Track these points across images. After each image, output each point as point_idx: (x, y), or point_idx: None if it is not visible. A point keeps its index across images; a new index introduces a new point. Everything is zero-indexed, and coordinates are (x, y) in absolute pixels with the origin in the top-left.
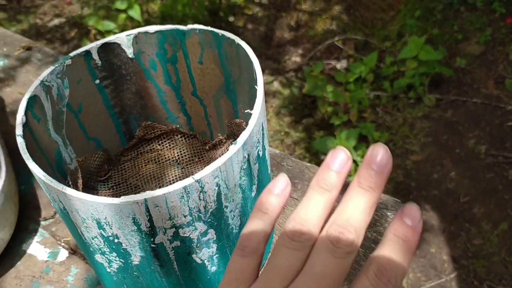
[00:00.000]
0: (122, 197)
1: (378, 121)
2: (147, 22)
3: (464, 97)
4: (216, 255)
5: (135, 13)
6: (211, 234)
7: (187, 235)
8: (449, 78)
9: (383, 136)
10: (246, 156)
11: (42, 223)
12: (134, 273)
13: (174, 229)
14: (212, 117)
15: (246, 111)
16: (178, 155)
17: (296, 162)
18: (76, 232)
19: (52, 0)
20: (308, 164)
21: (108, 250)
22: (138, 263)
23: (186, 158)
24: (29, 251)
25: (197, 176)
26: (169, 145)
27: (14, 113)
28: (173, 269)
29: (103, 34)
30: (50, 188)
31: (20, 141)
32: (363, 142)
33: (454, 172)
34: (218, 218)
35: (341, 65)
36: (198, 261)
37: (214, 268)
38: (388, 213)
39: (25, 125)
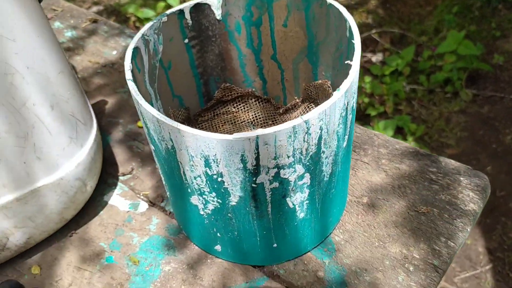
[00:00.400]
0: (235, 134)
1: (413, 114)
2: None
3: (502, 93)
4: (307, 201)
5: (174, 1)
6: (307, 178)
7: (286, 177)
8: (486, 74)
9: (419, 129)
10: (346, 104)
11: (121, 178)
12: (228, 214)
13: (276, 169)
14: (288, 81)
15: (346, 62)
16: (253, 118)
17: (364, 129)
18: (177, 173)
19: None
20: (375, 132)
21: (208, 190)
22: (235, 204)
23: (260, 121)
24: (110, 202)
25: (305, 117)
26: (244, 108)
27: (85, 79)
28: (267, 212)
29: (142, 21)
30: (163, 125)
31: (131, 85)
32: (398, 134)
33: (490, 167)
34: (315, 163)
35: (376, 58)
36: (290, 205)
37: (302, 215)
38: (461, 178)
39: (131, 72)
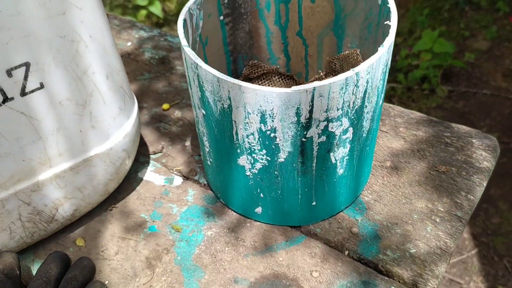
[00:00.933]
0: (293, 87)
1: None
2: (165, 20)
3: (474, 89)
4: (347, 157)
5: (156, 9)
6: (350, 133)
7: (333, 131)
8: (459, 71)
9: None
10: (386, 60)
11: (152, 156)
12: (275, 172)
13: (325, 122)
14: (311, 56)
15: (385, 22)
16: None
17: None
18: (228, 134)
19: None
20: (390, 104)
21: (258, 148)
22: (283, 160)
23: None
24: (145, 178)
25: (357, 69)
26: (268, 85)
27: None
28: (311, 167)
29: None
30: (223, 84)
31: (188, 50)
32: None
33: None
34: (358, 117)
35: None
36: (333, 160)
37: (341, 171)
38: (473, 140)
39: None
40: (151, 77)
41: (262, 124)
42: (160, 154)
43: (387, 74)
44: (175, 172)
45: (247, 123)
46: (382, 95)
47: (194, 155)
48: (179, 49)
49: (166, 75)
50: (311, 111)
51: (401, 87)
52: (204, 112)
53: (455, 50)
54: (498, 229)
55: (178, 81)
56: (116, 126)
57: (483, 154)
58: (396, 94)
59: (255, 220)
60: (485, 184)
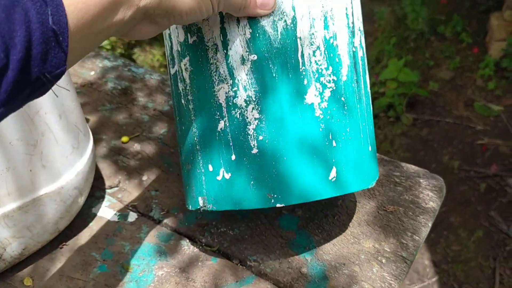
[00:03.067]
0: None
1: None
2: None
3: (438, 117)
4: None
5: None
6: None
7: (362, 47)
8: (423, 100)
9: None
10: None
11: (108, 191)
12: (341, 99)
13: (359, 33)
14: None
15: None
16: None
17: None
18: (293, 60)
19: None
20: None
21: (325, 65)
22: (345, 78)
23: None
24: (99, 214)
25: None
26: None
27: None
28: (361, 90)
29: None
30: None
31: None
32: None
33: None
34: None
35: None
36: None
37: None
38: (421, 180)
39: None
40: (112, 108)
41: (326, 31)
42: (116, 188)
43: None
44: (130, 208)
45: (313, 34)
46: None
47: (151, 190)
48: (142, 80)
49: (128, 106)
50: (353, 15)
51: None
52: (255, 56)
53: (420, 79)
54: (458, 256)
55: (139, 113)
56: (69, 164)
57: (430, 195)
58: None
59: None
60: (430, 225)
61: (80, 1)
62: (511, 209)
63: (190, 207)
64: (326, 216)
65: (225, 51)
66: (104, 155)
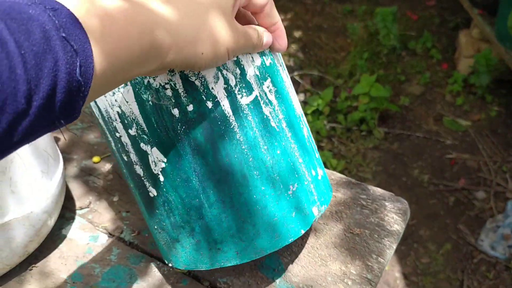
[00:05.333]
0: None
1: (334, 150)
2: None
3: (408, 131)
4: None
5: None
6: None
7: None
8: (394, 114)
9: (340, 164)
10: None
11: (78, 212)
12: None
13: None
14: None
15: None
16: None
17: None
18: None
19: None
20: None
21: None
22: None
23: None
24: (69, 235)
25: None
26: None
27: None
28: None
29: None
30: None
31: None
32: None
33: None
34: None
35: (299, 98)
36: None
37: None
38: (386, 203)
39: None
40: (84, 127)
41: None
42: (87, 209)
43: None
44: (101, 229)
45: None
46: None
47: (122, 211)
48: None
49: None
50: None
51: (341, 127)
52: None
53: (391, 94)
54: (427, 269)
55: None
56: (38, 189)
57: (394, 217)
58: (336, 134)
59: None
60: (394, 247)
61: (110, 54)
62: (478, 222)
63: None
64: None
65: None
66: (75, 175)
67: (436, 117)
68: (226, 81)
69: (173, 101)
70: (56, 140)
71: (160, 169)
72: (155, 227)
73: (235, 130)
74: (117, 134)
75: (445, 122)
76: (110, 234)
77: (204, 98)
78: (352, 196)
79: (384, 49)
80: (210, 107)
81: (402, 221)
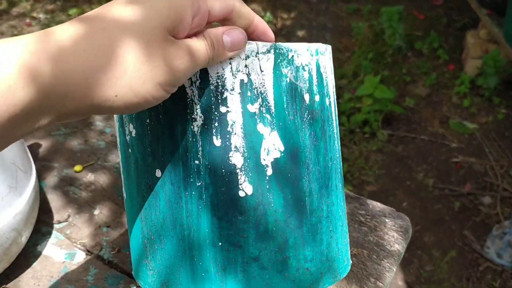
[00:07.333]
0: None
1: None
2: None
3: (413, 133)
4: None
5: None
6: None
7: None
8: (399, 116)
9: (342, 167)
10: None
11: (56, 226)
12: None
13: None
14: None
15: None
16: None
17: None
18: None
19: (10, 20)
20: None
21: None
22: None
23: None
24: (44, 252)
25: None
26: None
27: None
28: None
29: None
30: None
31: None
32: None
33: (405, 203)
34: None
35: None
36: None
37: None
38: (387, 220)
39: None
40: (67, 132)
41: None
42: (65, 223)
43: None
44: (79, 246)
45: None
46: None
47: (102, 225)
48: None
49: (84, 131)
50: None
51: (344, 129)
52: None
53: (396, 95)
54: (431, 277)
55: (95, 139)
56: (5, 206)
57: (395, 236)
58: (339, 136)
59: None
60: (394, 269)
61: None
62: (484, 228)
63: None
64: None
65: None
66: (54, 185)
67: (442, 119)
68: (333, 86)
69: (307, 85)
70: (37, 146)
71: (272, 160)
72: (229, 241)
73: (335, 136)
74: (223, 109)
75: (451, 124)
76: (88, 251)
77: (325, 94)
78: (350, 211)
79: (389, 49)
80: (327, 104)
81: (403, 240)
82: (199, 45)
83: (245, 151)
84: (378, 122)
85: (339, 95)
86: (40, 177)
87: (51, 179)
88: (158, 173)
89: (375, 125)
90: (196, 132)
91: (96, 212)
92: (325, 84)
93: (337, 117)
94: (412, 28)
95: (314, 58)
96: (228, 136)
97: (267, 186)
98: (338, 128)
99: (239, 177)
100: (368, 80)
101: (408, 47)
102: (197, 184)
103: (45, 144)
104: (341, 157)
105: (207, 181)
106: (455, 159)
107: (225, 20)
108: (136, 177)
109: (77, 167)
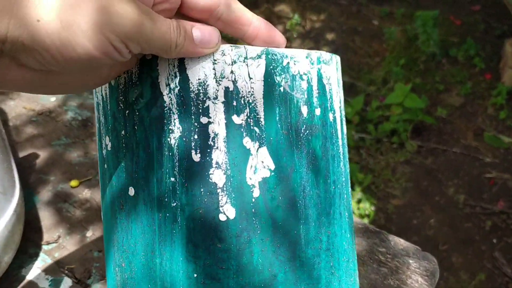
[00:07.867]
0: None
1: (361, 162)
2: None
3: (444, 146)
4: None
5: None
6: None
7: None
8: (430, 126)
9: (367, 178)
10: None
11: (44, 247)
12: None
13: None
14: None
15: None
16: None
17: None
18: None
19: None
20: None
21: None
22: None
23: None
24: (28, 277)
25: None
26: None
27: (17, 128)
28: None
29: None
30: None
31: None
32: None
33: (433, 219)
34: None
35: None
36: None
37: None
38: (410, 261)
39: None
40: (68, 143)
41: None
42: (54, 245)
43: None
44: (66, 271)
45: None
46: None
47: (93, 250)
48: None
49: (85, 141)
50: None
51: (370, 138)
52: None
53: (427, 104)
54: None
55: (96, 151)
56: None
57: (420, 281)
58: (365, 145)
59: None
60: None
61: None
62: None
63: None
64: None
65: None
66: (48, 201)
67: (476, 131)
68: (340, 101)
69: (305, 96)
70: (35, 156)
71: (260, 180)
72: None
73: (341, 157)
74: (203, 120)
75: (486, 137)
76: (76, 279)
77: (329, 108)
78: (369, 248)
79: (422, 55)
80: (330, 119)
81: (429, 285)
82: (162, 19)
83: (228, 168)
84: (407, 132)
85: (366, 102)
86: (34, 191)
87: (45, 194)
88: (131, 191)
89: (404, 135)
90: (173, 145)
91: (89, 233)
92: (328, 96)
93: (345, 136)
94: (448, 34)
95: (315, 67)
96: (208, 150)
97: (253, 210)
98: (346, 148)
99: (220, 197)
100: (399, 88)
101: (443, 54)
102: (172, 204)
103: (43, 154)
104: (366, 168)
105: (183, 201)
106: (488, 174)
107: (210, 18)
108: (111, 195)
109: (73, 182)
